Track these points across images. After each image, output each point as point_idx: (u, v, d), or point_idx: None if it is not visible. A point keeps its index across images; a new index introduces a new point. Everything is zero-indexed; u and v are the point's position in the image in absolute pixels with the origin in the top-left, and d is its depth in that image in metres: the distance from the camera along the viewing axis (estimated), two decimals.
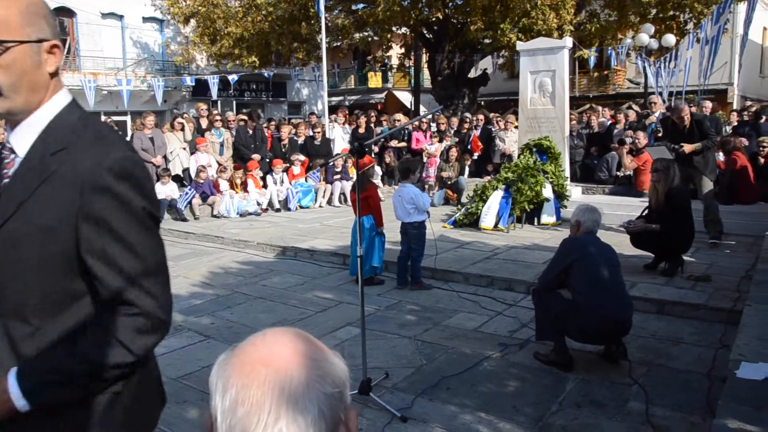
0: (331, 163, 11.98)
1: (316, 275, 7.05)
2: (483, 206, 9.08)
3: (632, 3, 16.48)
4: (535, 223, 9.22)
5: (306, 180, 12.16)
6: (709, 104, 11.06)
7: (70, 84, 19.40)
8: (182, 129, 11.96)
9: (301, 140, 12.86)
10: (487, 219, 8.94)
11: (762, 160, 9.80)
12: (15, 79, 1.32)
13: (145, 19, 23.11)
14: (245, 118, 13.18)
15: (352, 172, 6.19)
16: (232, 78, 18.49)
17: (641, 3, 16.20)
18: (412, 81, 26.79)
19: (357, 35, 19.73)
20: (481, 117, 14.03)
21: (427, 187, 12.58)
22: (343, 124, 14.36)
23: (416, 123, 13.64)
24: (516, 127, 11.71)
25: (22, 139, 1.39)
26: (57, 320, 1.36)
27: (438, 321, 5.26)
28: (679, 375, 4.01)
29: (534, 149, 9.71)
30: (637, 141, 10.20)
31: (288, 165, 12.08)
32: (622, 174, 11.00)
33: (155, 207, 1.42)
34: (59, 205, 1.31)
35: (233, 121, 12.71)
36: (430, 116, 14.52)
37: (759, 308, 4.33)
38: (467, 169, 12.72)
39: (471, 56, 19.47)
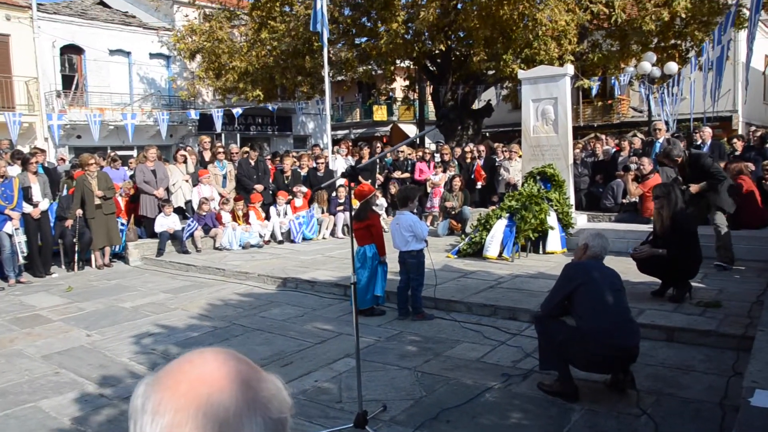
0: (324, 188, 11.89)
1: (317, 307, 6.92)
2: (487, 235, 8.97)
3: (633, 32, 16.54)
4: (541, 252, 9.08)
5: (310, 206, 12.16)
6: (708, 130, 10.89)
7: (77, 119, 19.66)
8: (185, 161, 11.98)
9: (304, 172, 12.88)
10: (492, 248, 8.82)
11: None
12: None
13: (152, 56, 23.50)
14: (248, 150, 13.22)
15: (356, 204, 6.14)
16: (237, 111, 18.65)
17: (642, 32, 16.25)
18: (417, 113, 26.93)
19: (360, 68, 19.91)
20: (482, 148, 13.98)
21: (431, 217, 12.51)
22: (346, 155, 14.38)
23: (419, 153, 13.61)
24: (520, 156, 11.64)
25: None
26: None
27: (439, 351, 5.11)
28: (690, 404, 3.84)
29: (538, 177, 9.64)
30: (642, 167, 10.10)
31: (291, 197, 12.05)
32: (627, 201, 10.88)
33: None
34: None
35: (236, 153, 12.74)
36: (433, 146, 14.48)
37: None
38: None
39: (474, 88, 19.57)
